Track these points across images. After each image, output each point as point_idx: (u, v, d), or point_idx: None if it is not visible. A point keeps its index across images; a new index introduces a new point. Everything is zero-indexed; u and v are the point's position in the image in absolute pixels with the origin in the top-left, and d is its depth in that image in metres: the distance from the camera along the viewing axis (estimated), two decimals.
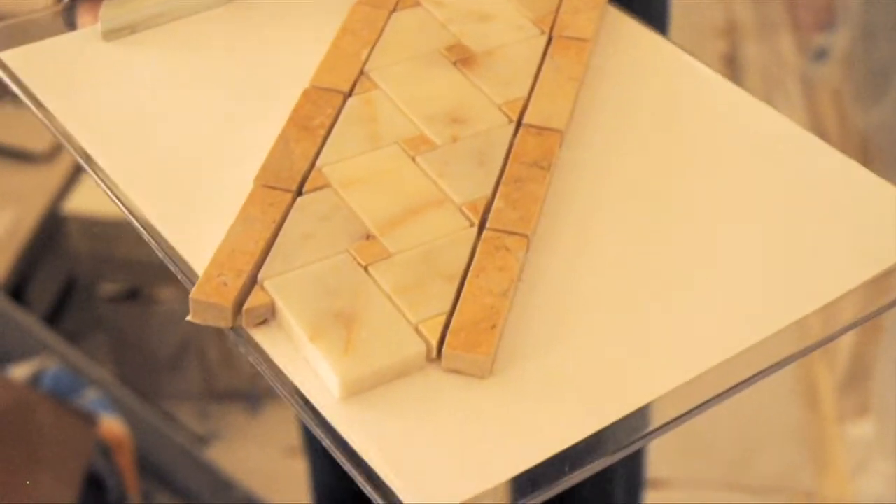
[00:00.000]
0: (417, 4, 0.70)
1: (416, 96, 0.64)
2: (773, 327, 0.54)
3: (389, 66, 0.66)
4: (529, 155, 0.61)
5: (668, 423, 0.51)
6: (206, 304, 0.53)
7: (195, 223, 0.58)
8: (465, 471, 0.48)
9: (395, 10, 0.70)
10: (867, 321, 0.56)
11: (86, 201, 1.65)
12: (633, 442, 0.50)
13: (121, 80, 0.67)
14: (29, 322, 1.51)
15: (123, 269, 1.69)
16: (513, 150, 0.61)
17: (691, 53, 0.70)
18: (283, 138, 0.61)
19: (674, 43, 0.71)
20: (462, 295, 0.54)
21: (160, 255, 0.57)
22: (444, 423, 0.50)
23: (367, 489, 0.48)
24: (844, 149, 0.64)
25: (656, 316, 0.55)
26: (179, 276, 0.56)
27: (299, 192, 0.59)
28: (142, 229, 0.58)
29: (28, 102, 0.65)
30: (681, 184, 0.62)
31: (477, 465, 0.49)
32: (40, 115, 0.64)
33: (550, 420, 0.50)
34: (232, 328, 0.53)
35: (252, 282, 0.54)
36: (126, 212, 0.59)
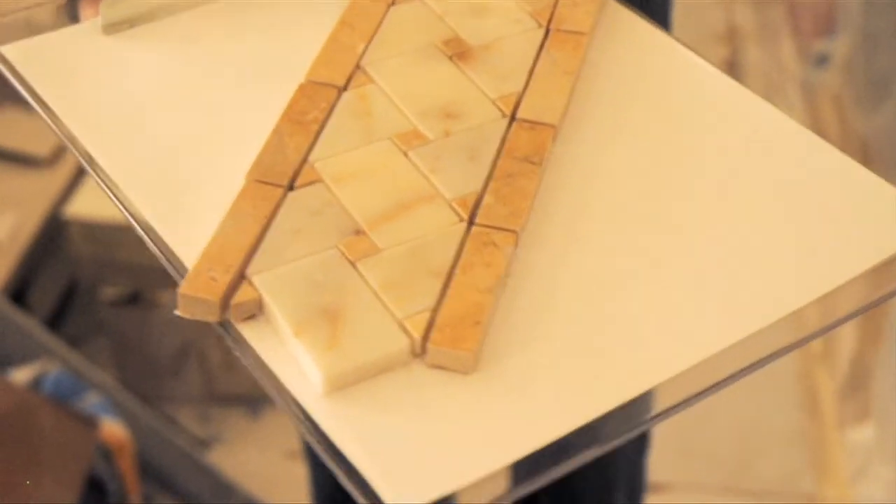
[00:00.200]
0: None
1: (411, 91, 0.64)
2: (765, 320, 0.54)
3: (385, 59, 0.66)
4: (521, 150, 0.61)
5: (654, 417, 0.51)
6: (195, 299, 0.53)
7: (190, 218, 0.58)
8: (447, 466, 0.49)
9: (393, 3, 0.70)
10: (860, 314, 0.56)
11: (87, 205, 1.65)
12: (619, 436, 0.50)
13: (120, 74, 0.67)
14: (30, 325, 1.51)
15: (125, 272, 1.69)
16: (505, 145, 0.61)
17: (690, 47, 0.70)
18: (277, 133, 0.61)
19: (672, 37, 0.70)
20: (448, 291, 0.54)
21: (155, 252, 0.57)
22: (427, 418, 0.50)
23: (349, 485, 0.48)
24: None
25: (645, 311, 0.55)
26: (170, 271, 0.56)
27: (291, 188, 0.59)
28: (137, 226, 0.58)
29: (27, 97, 0.65)
30: (675, 179, 0.62)
31: (458, 460, 0.49)
32: (39, 110, 0.64)
33: (533, 415, 0.51)
34: (220, 323, 0.54)
35: (240, 277, 0.54)
36: (123, 208, 0.59)
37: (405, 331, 0.52)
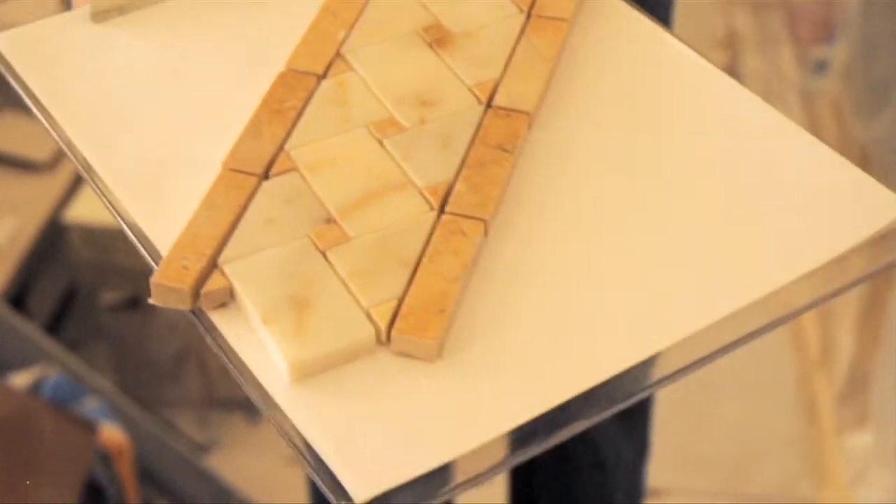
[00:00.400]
0: None
1: (389, 78, 0.64)
2: (736, 304, 0.55)
3: (365, 47, 0.66)
4: (495, 137, 0.61)
5: (621, 400, 0.52)
6: (166, 288, 0.54)
7: (170, 207, 0.58)
8: (410, 453, 0.49)
9: None
10: (826, 301, 0.56)
11: (87, 210, 1.66)
12: (583, 420, 0.51)
13: (108, 62, 0.67)
14: (30, 330, 1.51)
15: (124, 277, 1.69)
16: (479, 133, 0.61)
17: (674, 34, 0.70)
18: (255, 121, 0.62)
19: (657, 23, 0.70)
20: (414, 280, 0.54)
21: (130, 237, 0.57)
22: (391, 406, 0.51)
23: (313, 474, 0.49)
24: None
25: (614, 298, 0.55)
26: (147, 259, 0.56)
27: (266, 176, 0.59)
28: (119, 217, 0.59)
29: (14, 85, 0.66)
30: (650, 165, 0.62)
31: (422, 447, 0.49)
32: (26, 99, 0.65)
33: (497, 402, 0.51)
34: (192, 311, 0.54)
35: (212, 266, 0.55)
36: (107, 203, 0.60)
37: (371, 319, 0.53)
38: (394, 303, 0.53)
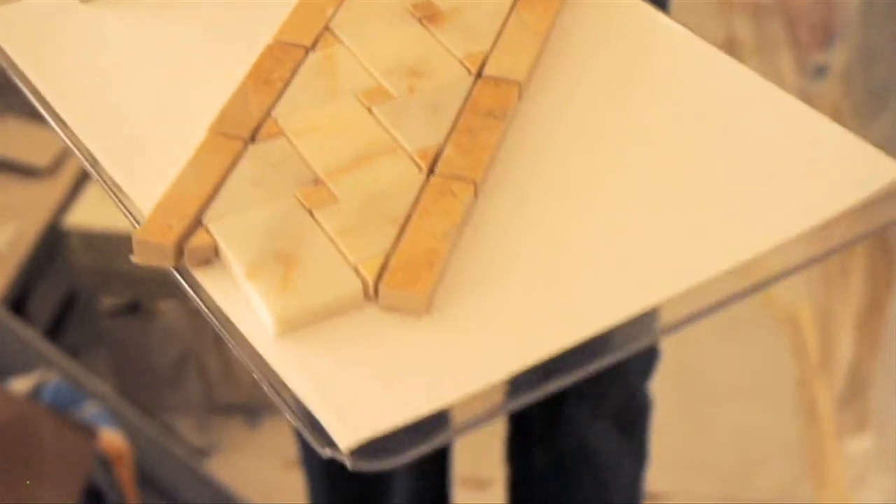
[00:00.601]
0: None
1: (378, 52, 0.64)
2: (719, 267, 0.55)
3: (354, 21, 0.66)
4: (485, 105, 0.61)
5: (610, 355, 0.52)
6: (149, 245, 0.54)
7: (155, 174, 0.58)
8: (397, 403, 0.49)
9: None
10: (819, 261, 0.56)
11: (87, 215, 1.66)
12: (569, 374, 0.51)
13: (96, 39, 0.68)
14: (29, 335, 1.51)
15: (124, 283, 1.69)
16: (469, 101, 0.62)
17: (663, 11, 0.70)
18: (242, 90, 0.62)
19: (648, 2, 0.71)
20: (403, 236, 0.54)
21: (128, 217, 0.57)
22: (379, 357, 0.51)
23: (298, 423, 0.48)
24: None
25: (601, 256, 0.55)
26: (129, 220, 0.56)
27: (252, 141, 0.59)
28: (108, 187, 0.59)
29: (3, 63, 0.66)
30: (638, 132, 0.62)
31: (409, 396, 0.49)
32: (15, 78, 0.65)
33: (485, 354, 0.51)
34: (176, 269, 0.54)
35: (197, 224, 0.55)
36: (100, 178, 0.60)
37: (358, 274, 0.53)
38: (382, 258, 0.53)
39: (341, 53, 0.64)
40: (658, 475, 1.46)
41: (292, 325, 0.51)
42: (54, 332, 1.74)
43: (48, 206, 1.68)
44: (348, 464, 0.47)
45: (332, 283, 0.52)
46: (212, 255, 0.54)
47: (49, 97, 0.63)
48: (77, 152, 0.61)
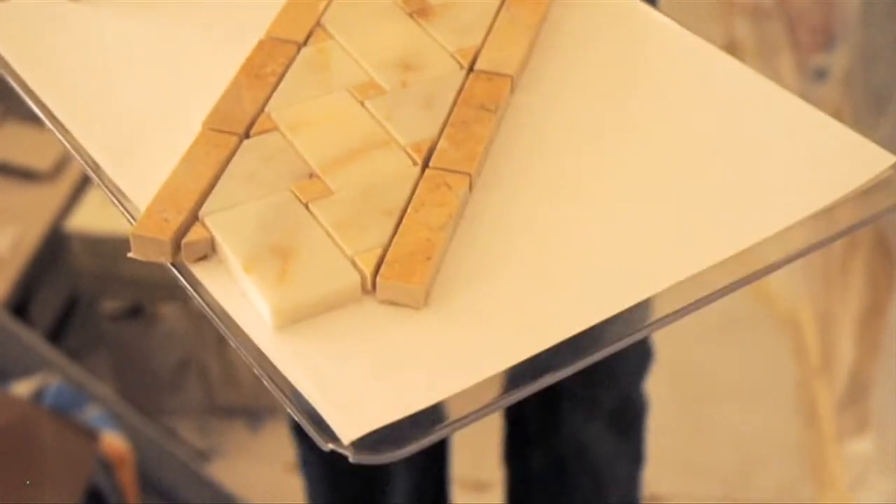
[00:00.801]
0: None
1: (370, 46, 0.65)
2: (714, 258, 0.55)
3: (346, 17, 0.67)
4: (477, 98, 0.62)
5: (604, 348, 0.52)
6: (146, 240, 0.54)
7: (153, 176, 0.58)
8: (396, 397, 0.49)
9: None
10: (814, 251, 0.56)
11: (88, 219, 1.66)
12: (567, 366, 0.51)
13: (87, 37, 0.68)
14: (31, 338, 1.51)
15: (125, 286, 1.69)
16: (462, 94, 0.62)
17: (654, 6, 0.70)
18: (235, 85, 0.62)
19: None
20: (400, 229, 0.54)
21: (123, 213, 0.57)
22: (378, 351, 0.51)
23: (299, 417, 0.48)
24: None
25: (596, 249, 0.55)
26: (128, 219, 0.56)
27: (246, 135, 0.59)
28: (100, 182, 0.59)
29: None
30: (630, 126, 0.62)
31: (409, 388, 0.49)
32: (6, 75, 0.65)
33: (484, 346, 0.51)
34: (173, 264, 0.54)
35: (193, 218, 0.55)
36: (92, 173, 0.60)
37: (356, 266, 0.53)
38: (379, 250, 0.53)
39: (333, 48, 0.65)
40: (658, 476, 1.46)
41: (291, 319, 0.51)
42: (56, 335, 1.74)
43: (50, 209, 1.69)
44: (350, 457, 0.47)
45: (329, 276, 0.52)
46: (209, 250, 0.54)
47: (43, 97, 0.64)
48: (75, 153, 0.61)
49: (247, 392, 1.76)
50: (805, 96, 0.65)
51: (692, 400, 1.78)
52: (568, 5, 0.70)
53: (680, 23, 0.69)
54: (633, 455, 1.22)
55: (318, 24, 0.66)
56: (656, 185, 0.59)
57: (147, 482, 1.48)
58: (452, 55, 0.64)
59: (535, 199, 0.58)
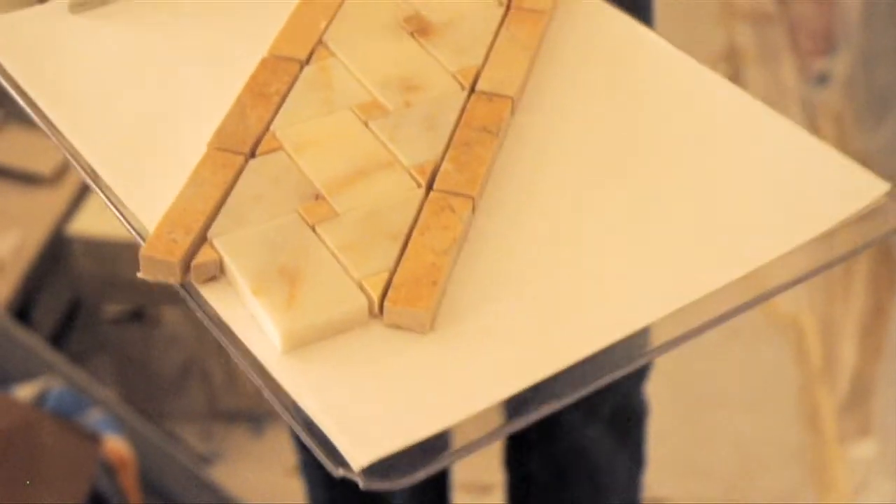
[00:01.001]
0: None
1: (372, 65, 0.65)
2: (714, 285, 0.55)
3: (347, 35, 0.67)
4: (479, 120, 0.62)
5: (607, 375, 0.52)
6: (156, 261, 0.54)
7: (154, 188, 0.59)
8: (404, 421, 0.49)
9: None
10: (809, 279, 0.57)
11: (90, 223, 1.66)
12: (570, 393, 0.51)
13: (88, 51, 0.68)
14: (34, 342, 1.51)
15: (128, 290, 1.69)
16: (463, 116, 0.62)
17: (650, 28, 0.71)
18: (239, 104, 0.62)
19: (630, 16, 0.71)
20: (405, 253, 0.55)
21: (130, 231, 0.57)
22: (386, 375, 0.51)
23: (310, 442, 0.49)
24: None
25: (598, 274, 0.56)
26: (133, 235, 0.57)
27: (252, 155, 0.60)
28: (110, 203, 0.59)
29: None
30: (630, 148, 0.63)
31: (418, 414, 0.49)
32: (8, 87, 0.65)
33: (490, 371, 0.51)
34: (182, 284, 0.54)
35: (202, 239, 0.55)
36: (97, 188, 0.60)
37: (363, 290, 0.53)
38: (385, 274, 0.54)
39: (336, 66, 0.65)
40: (661, 481, 1.46)
41: (299, 342, 0.52)
42: (58, 339, 1.74)
43: (52, 213, 1.69)
44: (361, 483, 0.47)
45: (337, 300, 0.53)
46: (217, 271, 0.55)
47: (44, 108, 0.64)
48: (74, 161, 0.61)
49: (249, 396, 1.76)
50: (807, 101, 0.65)
51: (694, 404, 1.78)
52: (565, 25, 0.70)
53: (675, 44, 0.70)
54: (634, 458, 1.22)
55: (320, 41, 0.67)
56: (658, 208, 0.59)
57: (149, 486, 1.48)
58: (454, 75, 0.65)
59: (537, 222, 0.58)
